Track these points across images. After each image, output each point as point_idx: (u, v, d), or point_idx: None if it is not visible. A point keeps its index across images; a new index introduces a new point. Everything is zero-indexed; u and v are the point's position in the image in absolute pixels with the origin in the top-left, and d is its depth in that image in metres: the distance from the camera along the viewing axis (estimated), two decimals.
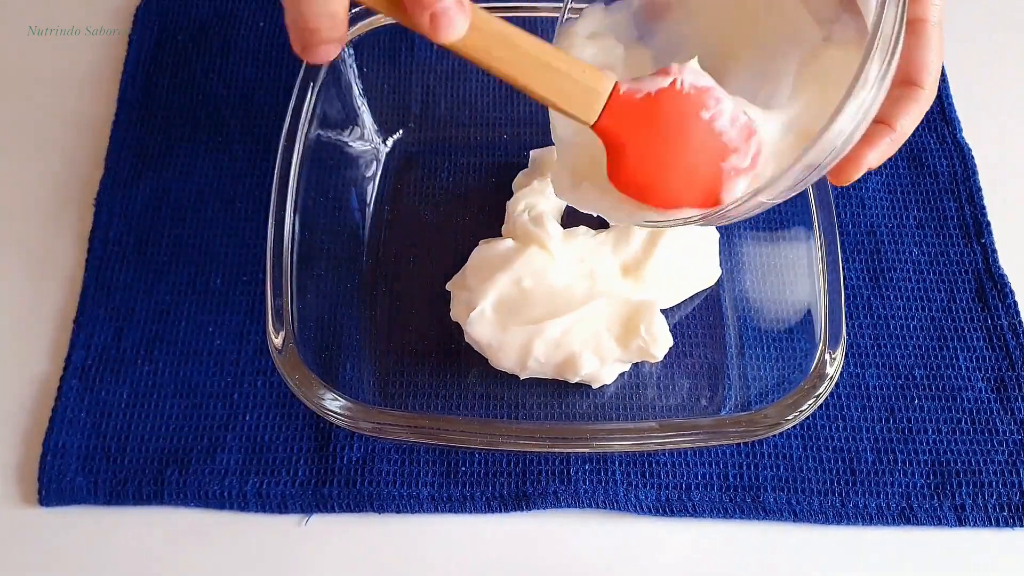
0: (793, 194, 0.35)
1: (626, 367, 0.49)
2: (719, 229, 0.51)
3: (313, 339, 0.45)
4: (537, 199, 0.51)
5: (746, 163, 0.36)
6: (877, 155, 0.37)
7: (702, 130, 0.35)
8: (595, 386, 0.48)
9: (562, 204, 0.53)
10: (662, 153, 0.35)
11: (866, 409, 0.48)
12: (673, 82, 0.35)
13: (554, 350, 0.46)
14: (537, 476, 0.46)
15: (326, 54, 0.32)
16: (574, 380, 0.47)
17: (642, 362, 0.49)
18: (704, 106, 0.35)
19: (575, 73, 0.34)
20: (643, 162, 0.36)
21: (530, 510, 0.46)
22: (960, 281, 0.52)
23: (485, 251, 0.49)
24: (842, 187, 0.55)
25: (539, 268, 0.47)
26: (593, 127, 0.35)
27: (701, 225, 0.37)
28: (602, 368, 0.47)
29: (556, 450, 0.45)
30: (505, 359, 0.47)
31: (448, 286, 0.50)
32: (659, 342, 0.46)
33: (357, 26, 0.51)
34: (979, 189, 0.55)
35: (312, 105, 0.49)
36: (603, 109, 0.34)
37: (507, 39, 0.33)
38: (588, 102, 0.34)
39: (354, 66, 0.53)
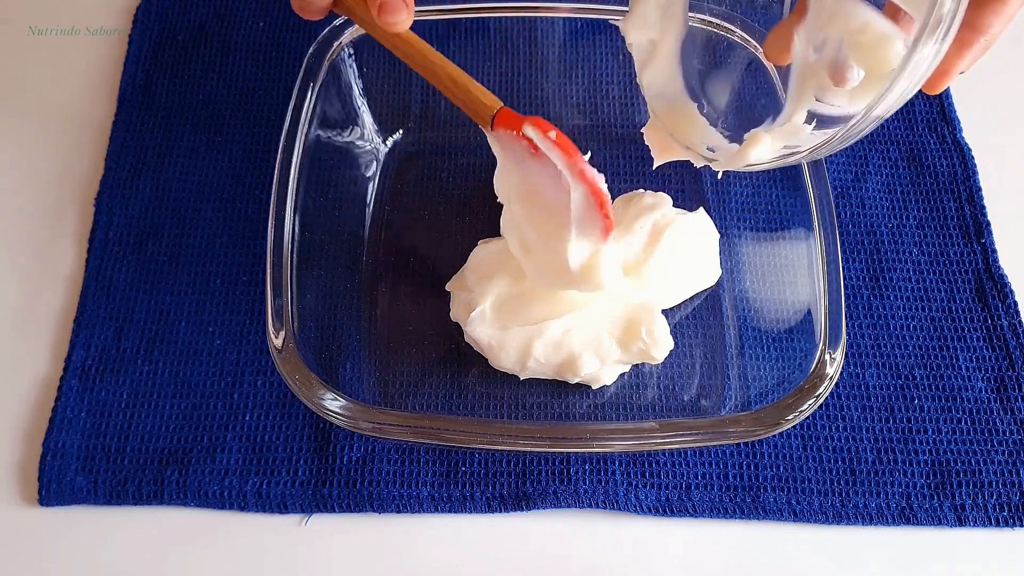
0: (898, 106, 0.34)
1: (626, 368, 0.49)
2: (719, 229, 0.51)
3: (313, 339, 0.45)
4: None
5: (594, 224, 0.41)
6: (967, 62, 0.36)
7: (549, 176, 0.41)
8: (595, 387, 0.48)
9: None
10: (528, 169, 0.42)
11: (866, 409, 0.48)
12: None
13: (554, 351, 0.46)
14: (537, 476, 0.46)
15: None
16: (574, 381, 0.47)
17: (642, 362, 0.49)
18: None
19: (478, 91, 0.42)
20: (513, 171, 0.43)
21: (530, 510, 0.46)
22: (960, 281, 0.52)
23: (484, 251, 0.49)
24: (845, 186, 0.55)
25: None
26: (490, 130, 0.42)
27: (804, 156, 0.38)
28: (602, 369, 0.47)
29: (556, 450, 0.45)
30: (505, 359, 0.47)
31: (448, 286, 0.50)
32: (660, 345, 0.46)
33: (357, 26, 0.51)
34: (979, 189, 0.55)
35: (312, 105, 0.49)
36: (494, 120, 0.42)
37: (428, 57, 0.42)
38: (485, 114, 0.42)
39: (354, 66, 0.53)
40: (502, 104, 0.42)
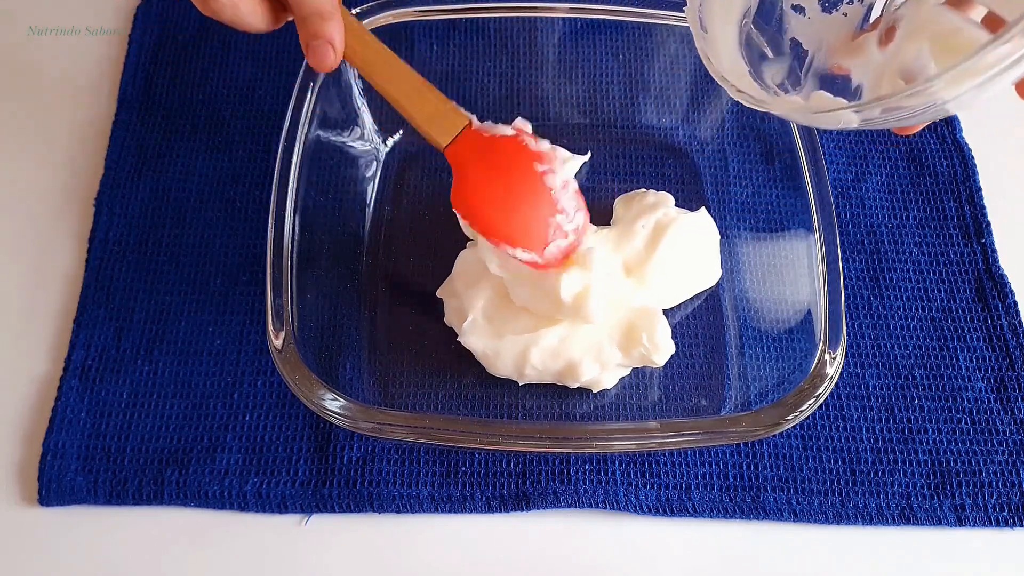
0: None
1: (627, 371, 0.48)
2: (719, 229, 0.51)
3: (313, 339, 0.45)
4: None
5: (569, 226, 0.42)
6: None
7: (533, 179, 0.42)
8: (595, 390, 0.48)
9: None
10: (495, 187, 0.42)
11: (866, 409, 0.48)
12: (518, 133, 0.42)
13: (552, 358, 0.46)
14: (537, 476, 0.46)
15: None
16: (574, 386, 0.47)
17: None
18: (539, 160, 0.42)
19: (440, 105, 0.42)
20: (479, 190, 0.42)
21: (530, 510, 0.46)
22: (960, 281, 0.52)
23: (470, 256, 0.49)
24: (845, 186, 0.55)
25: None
26: (444, 150, 0.42)
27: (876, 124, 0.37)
28: (603, 374, 0.47)
29: (557, 450, 0.45)
30: (502, 367, 0.46)
31: (439, 293, 0.50)
32: (661, 350, 0.46)
33: None
34: (979, 189, 0.55)
35: (312, 105, 0.49)
36: (454, 138, 0.42)
37: (391, 64, 0.42)
38: (445, 129, 0.42)
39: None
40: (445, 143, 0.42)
